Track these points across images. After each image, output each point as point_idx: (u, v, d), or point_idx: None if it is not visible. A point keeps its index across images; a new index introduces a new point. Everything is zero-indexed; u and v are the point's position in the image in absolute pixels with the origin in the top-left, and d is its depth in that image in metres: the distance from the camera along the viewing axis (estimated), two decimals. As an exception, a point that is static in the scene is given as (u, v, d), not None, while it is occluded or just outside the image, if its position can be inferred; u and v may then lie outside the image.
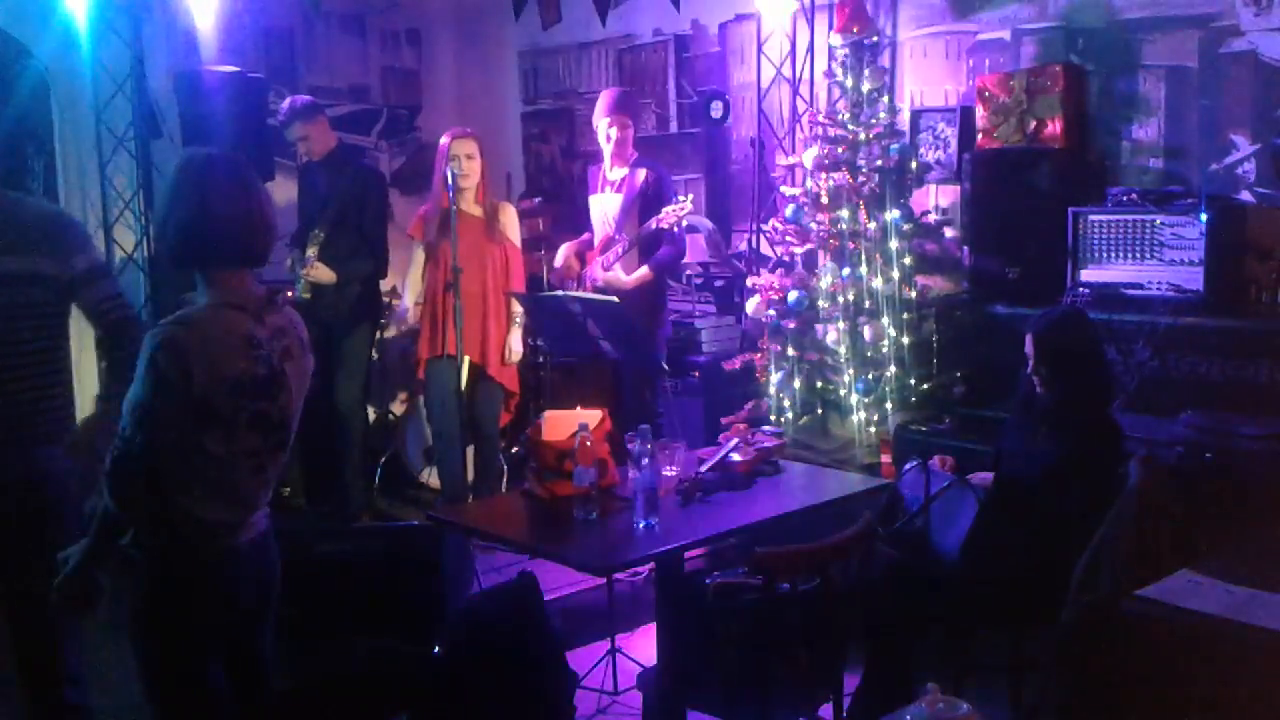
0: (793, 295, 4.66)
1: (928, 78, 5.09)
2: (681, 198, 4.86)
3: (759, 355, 4.88)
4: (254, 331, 2.37)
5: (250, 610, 2.54)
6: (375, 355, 6.22)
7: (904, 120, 4.98)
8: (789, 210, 4.81)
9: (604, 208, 5.06)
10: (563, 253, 5.21)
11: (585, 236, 5.24)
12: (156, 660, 2.43)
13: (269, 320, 2.42)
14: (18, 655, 3.02)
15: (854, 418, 4.55)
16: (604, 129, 4.98)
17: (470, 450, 5.10)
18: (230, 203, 2.36)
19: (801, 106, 5.41)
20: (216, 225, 2.34)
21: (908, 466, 3.60)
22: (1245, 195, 4.14)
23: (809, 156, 4.72)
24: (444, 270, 4.89)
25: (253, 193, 2.41)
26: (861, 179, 4.59)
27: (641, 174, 4.95)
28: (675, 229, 4.85)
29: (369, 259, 5.12)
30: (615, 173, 5.04)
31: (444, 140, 4.86)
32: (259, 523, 2.52)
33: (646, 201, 4.87)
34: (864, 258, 4.55)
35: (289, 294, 4.82)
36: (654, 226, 4.70)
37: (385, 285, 5.95)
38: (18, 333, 2.90)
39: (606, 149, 5.03)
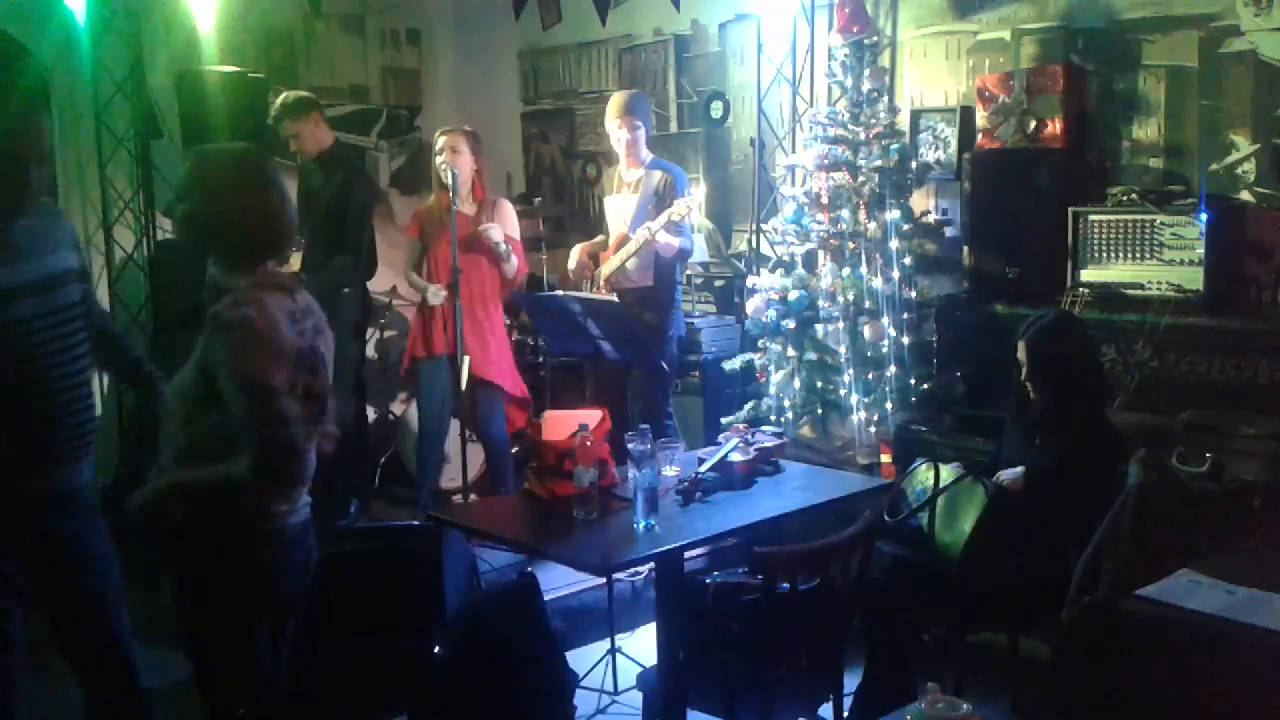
0: (793, 295, 4.66)
1: (928, 78, 5.09)
2: (690, 190, 4.85)
3: (759, 355, 4.88)
4: (293, 307, 2.44)
5: (290, 596, 2.56)
6: (375, 355, 6.23)
7: (904, 120, 4.97)
8: (789, 210, 4.82)
9: (619, 209, 5.05)
10: (575, 253, 5.20)
11: (599, 238, 5.24)
12: (205, 634, 2.48)
13: (299, 298, 2.49)
14: (82, 661, 2.91)
15: (854, 418, 4.56)
16: (614, 131, 4.97)
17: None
18: (270, 198, 2.45)
19: (801, 106, 5.41)
20: (259, 220, 2.43)
21: (917, 463, 3.56)
22: (1245, 195, 4.15)
23: (809, 156, 4.72)
24: (439, 270, 4.89)
25: (282, 188, 2.50)
26: (861, 179, 4.60)
27: (656, 175, 4.94)
28: (684, 221, 4.83)
29: (347, 264, 5.07)
30: (630, 174, 5.03)
31: (436, 138, 4.92)
32: (305, 507, 2.56)
33: (661, 203, 4.85)
34: (864, 258, 4.56)
35: None
36: (666, 220, 4.70)
37: (384, 286, 5.96)
38: (68, 339, 2.71)
39: (619, 151, 5.03)
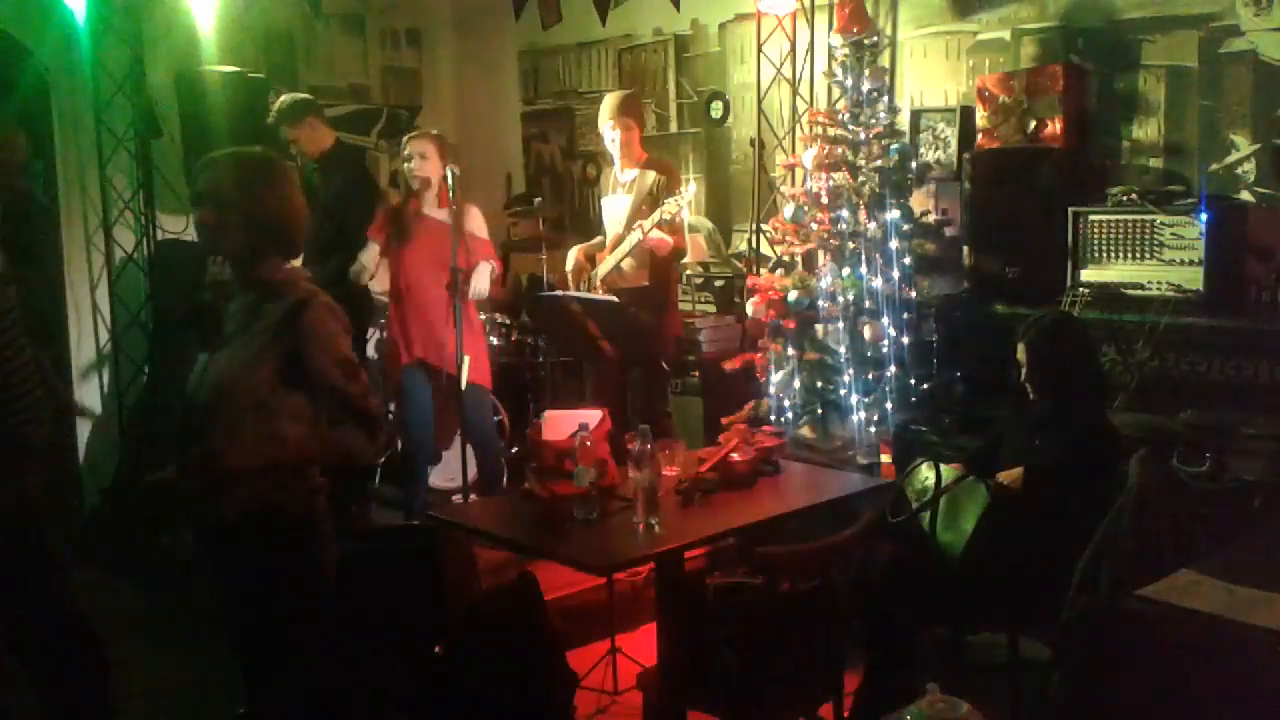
0: (793, 295, 4.66)
1: (928, 78, 5.09)
2: (682, 189, 4.83)
3: (759, 355, 4.88)
4: None
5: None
6: (375, 355, 6.22)
7: (904, 120, 4.97)
8: (789, 210, 4.81)
9: (615, 210, 5.05)
10: (573, 255, 5.20)
11: (596, 239, 5.23)
12: (286, 619, 2.60)
13: None
14: (52, 657, 2.99)
15: (854, 418, 4.55)
16: (607, 133, 4.97)
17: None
18: (296, 196, 2.64)
19: (801, 106, 5.41)
20: (293, 218, 2.61)
21: (918, 463, 3.56)
22: (1245, 195, 4.14)
23: (809, 156, 4.72)
24: (415, 272, 4.82)
25: (297, 186, 2.70)
26: (861, 179, 4.60)
27: (650, 176, 4.94)
28: (677, 220, 4.81)
29: (348, 264, 5.02)
30: (625, 175, 5.03)
31: (404, 142, 4.86)
32: None
33: (655, 202, 4.85)
34: (864, 258, 4.55)
35: None
36: (659, 218, 4.70)
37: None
38: (17, 341, 2.77)
39: (613, 152, 5.02)
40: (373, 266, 4.90)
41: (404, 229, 4.82)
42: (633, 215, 4.91)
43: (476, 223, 4.95)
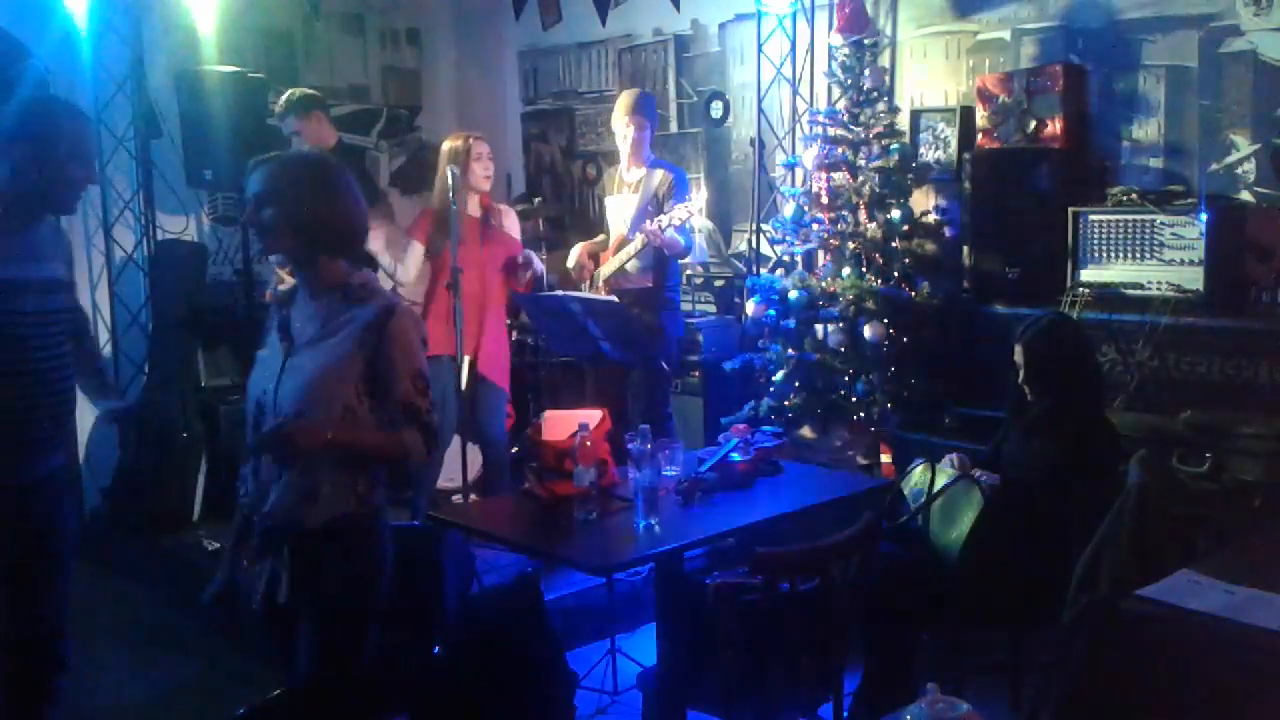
0: (793, 295, 4.66)
1: (928, 78, 5.09)
2: (690, 197, 4.83)
3: (759, 355, 4.88)
4: None
5: None
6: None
7: (904, 120, 4.97)
8: (789, 210, 4.81)
9: (620, 209, 5.04)
10: (575, 253, 5.19)
11: (599, 237, 5.23)
12: (354, 634, 2.59)
13: None
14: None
15: (854, 418, 4.56)
16: (621, 129, 4.96)
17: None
18: (354, 200, 2.59)
19: (801, 106, 5.41)
20: (353, 220, 2.56)
21: (915, 464, 3.57)
22: (1245, 195, 4.15)
23: (809, 156, 4.72)
24: (445, 271, 4.83)
25: None
26: (861, 179, 4.60)
27: (658, 175, 4.93)
28: (684, 226, 4.80)
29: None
30: (632, 174, 5.02)
31: (457, 143, 4.72)
32: None
33: (661, 204, 4.84)
34: (864, 258, 4.56)
35: (267, 294, 4.85)
36: (665, 224, 4.69)
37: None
38: (55, 336, 2.99)
39: (624, 150, 5.01)
40: (415, 269, 4.88)
41: (460, 230, 4.72)
42: (638, 216, 4.91)
43: (513, 228, 4.96)
